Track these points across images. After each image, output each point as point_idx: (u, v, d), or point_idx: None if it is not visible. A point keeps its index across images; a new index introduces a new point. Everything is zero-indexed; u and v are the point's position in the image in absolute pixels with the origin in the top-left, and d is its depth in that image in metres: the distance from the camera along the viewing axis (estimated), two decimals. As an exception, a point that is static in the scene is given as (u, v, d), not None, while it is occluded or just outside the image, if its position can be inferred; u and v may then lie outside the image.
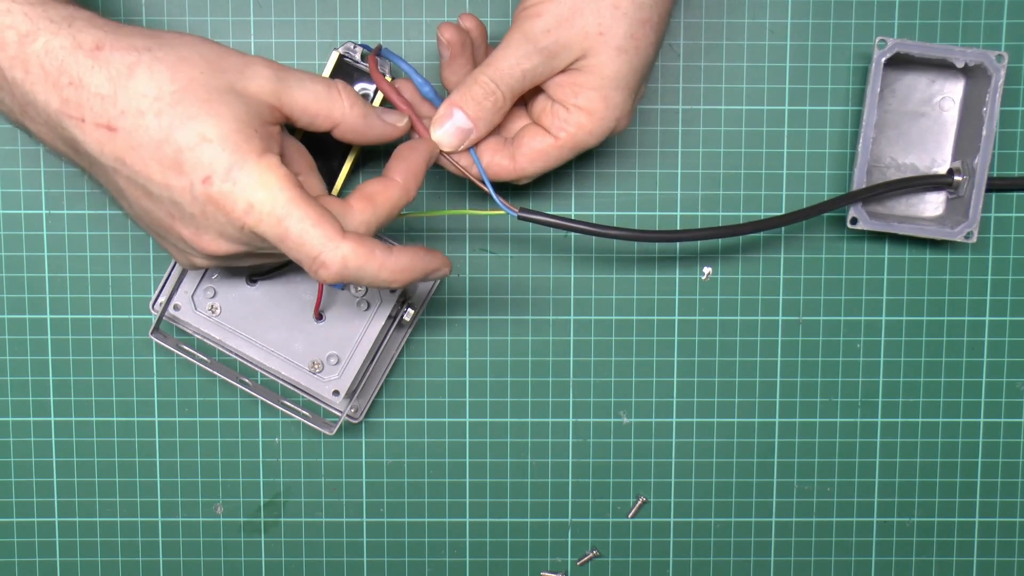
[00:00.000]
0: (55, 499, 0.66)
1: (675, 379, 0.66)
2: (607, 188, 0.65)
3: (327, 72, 0.60)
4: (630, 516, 0.67)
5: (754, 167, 0.65)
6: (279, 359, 0.61)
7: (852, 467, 0.67)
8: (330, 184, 0.61)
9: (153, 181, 0.50)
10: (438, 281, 0.64)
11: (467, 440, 0.66)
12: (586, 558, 0.67)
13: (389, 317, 0.61)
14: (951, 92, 0.64)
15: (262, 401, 0.64)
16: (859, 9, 0.64)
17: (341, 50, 0.60)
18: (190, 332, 0.62)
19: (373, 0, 0.63)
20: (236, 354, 0.62)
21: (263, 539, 0.67)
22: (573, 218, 0.64)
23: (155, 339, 0.61)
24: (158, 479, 0.66)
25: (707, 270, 0.65)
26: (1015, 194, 0.65)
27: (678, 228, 0.65)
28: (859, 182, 0.62)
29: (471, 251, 0.65)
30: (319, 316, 0.61)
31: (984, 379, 0.66)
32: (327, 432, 0.62)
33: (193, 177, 0.50)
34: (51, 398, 0.65)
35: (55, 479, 0.66)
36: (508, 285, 0.65)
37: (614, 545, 0.67)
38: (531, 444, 0.66)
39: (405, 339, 0.64)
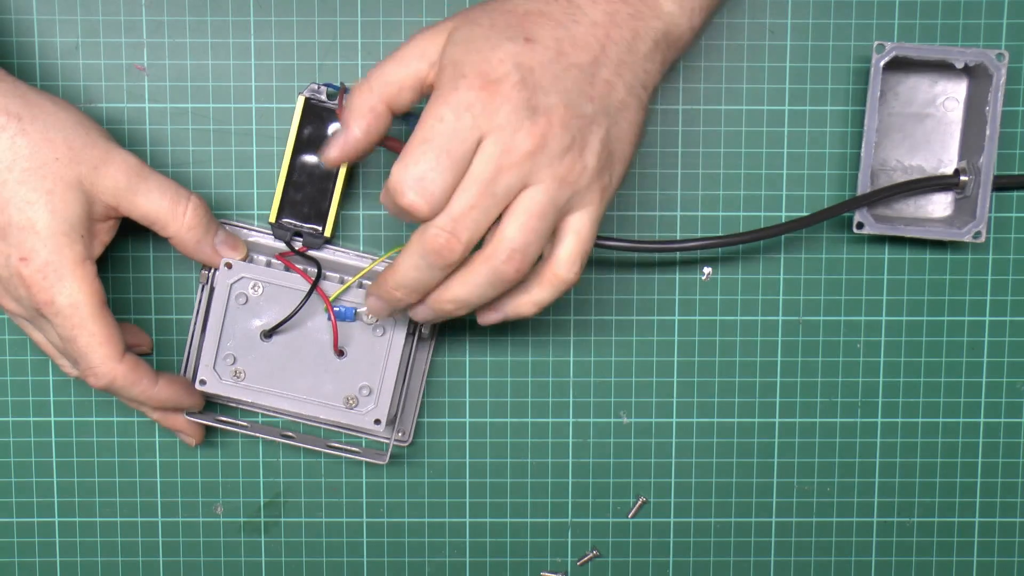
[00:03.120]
0: (55, 499, 0.66)
1: (675, 379, 0.66)
2: (607, 188, 0.65)
3: (295, 119, 0.61)
4: (630, 516, 0.67)
5: (754, 167, 0.64)
6: (314, 404, 0.61)
7: (852, 467, 0.67)
8: (327, 195, 0.61)
9: None
10: None
11: (467, 440, 0.66)
12: (586, 558, 0.67)
13: (408, 335, 0.61)
14: (954, 92, 0.64)
15: (310, 449, 0.65)
16: (859, 9, 0.64)
17: (307, 93, 0.60)
18: (223, 402, 0.63)
19: (373, 0, 0.63)
20: (272, 411, 0.63)
21: (263, 539, 0.67)
22: None
23: (193, 419, 0.62)
24: (158, 479, 0.66)
25: (707, 270, 0.65)
26: (1015, 195, 0.65)
27: (678, 228, 0.65)
28: (863, 187, 0.62)
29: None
30: (340, 352, 0.61)
31: (984, 379, 0.66)
32: (380, 462, 0.62)
33: (12, 250, 0.54)
34: (51, 398, 0.65)
35: (55, 479, 0.66)
36: (508, 285, 0.65)
37: (614, 545, 0.67)
38: (531, 444, 0.66)
39: (431, 352, 0.64)
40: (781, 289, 0.65)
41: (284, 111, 0.63)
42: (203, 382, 0.61)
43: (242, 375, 0.61)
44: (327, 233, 0.62)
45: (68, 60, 0.63)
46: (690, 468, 0.67)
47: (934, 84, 0.64)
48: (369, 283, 0.62)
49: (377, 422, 0.61)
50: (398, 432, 0.64)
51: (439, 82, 0.50)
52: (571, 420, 0.66)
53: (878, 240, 0.65)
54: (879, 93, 0.62)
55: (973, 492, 0.67)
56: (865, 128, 0.62)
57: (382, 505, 0.67)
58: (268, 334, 0.61)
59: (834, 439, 0.67)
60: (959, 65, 0.61)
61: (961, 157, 0.64)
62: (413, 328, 0.61)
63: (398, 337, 0.61)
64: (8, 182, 0.54)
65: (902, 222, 0.63)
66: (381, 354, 0.61)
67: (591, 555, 0.67)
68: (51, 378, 0.65)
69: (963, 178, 0.63)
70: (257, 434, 0.62)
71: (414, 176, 0.49)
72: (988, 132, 0.61)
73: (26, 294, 0.55)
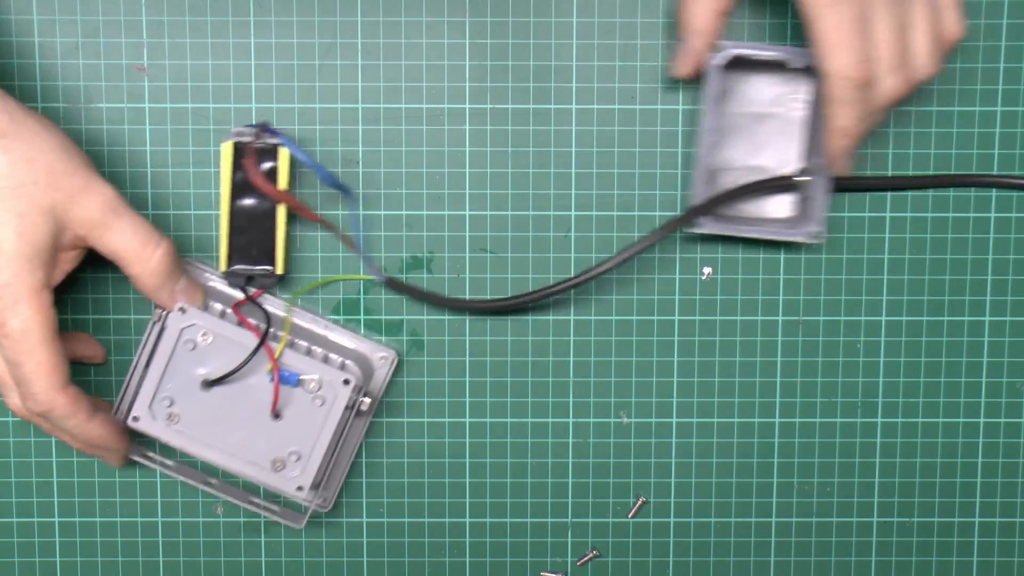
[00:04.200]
0: (55, 499, 0.66)
1: (675, 379, 0.66)
2: (607, 188, 0.65)
3: (225, 166, 0.61)
4: (630, 516, 0.67)
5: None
6: (241, 460, 0.61)
7: (852, 467, 0.67)
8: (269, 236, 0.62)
9: None
10: (393, 366, 0.64)
11: (467, 440, 0.66)
12: (586, 558, 0.67)
13: (346, 408, 0.61)
14: (797, 92, 0.63)
15: (228, 500, 0.65)
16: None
17: (232, 138, 0.61)
18: (153, 439, 0.63)
19: (373, 0, 0.63)
20: (199, 459, 0.63)
21: (263, 539, 0.67)
22: (435, 293, 0.65)
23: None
24: (158, 479, 0.66)
25: (707, 270, 0.65)
26: (1015, 194, 0.65)
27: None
28: (699, 193, 0.61)
29: (471, 251, 0.65)
30: (276, 414, 0.61)
31: (984, 379, 0.66)
32: (296, 526, 0.63)
33: None
34: (51, 398, 0.65)
35: (55, 479, 0.66)
36: (508, 285, 0.65)
37: (614, 545, 0.67)
38: (531, 444, 0.66)
39: (367, 425, 0.65)
40: (781, 289, 0.65)
41: (284, 111, 0.63)
42: (136, 418, 0.60)
43: (176, 419, 0.61)
44: (279, 271, 0.62)
45: (68, 60, 0.63)
46: (690, 468, 0.67)
47: (778, 83, 0.63)
48: (303, 343, 0.63)
49: (300, 489, 0.61)
50: (319, 498, 0.64)
51: None
52: (571, 420, 0.66)
53: (878, 240, 0.65)
54: (719, 93, 0.61)
55: (973, 492, 0.67)
56: (701, 130, 0.61)
57: (382, 505, 0.67)
58: (210, 384, 0.61)
59: (834, 439, 0.67)
60: (797, 66, 0.61)
61: (806, 157, 0.63)
62: (352, 401, 0.61)
63: (336, 408, 0.61)
64: None
65: (743, 222, 0.62)
66: (317, 423, 0.61)
67: (591, 555, 0.67)
68: (51, 378, 0.65)
69: (800, 179, 0.62)
70: (179, 476, 0.63)
71: (857, 56, 0.55)
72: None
73: None
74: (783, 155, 0.63)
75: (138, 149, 0.64)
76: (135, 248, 0.57)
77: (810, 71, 0.62)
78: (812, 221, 0.61)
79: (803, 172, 0.62)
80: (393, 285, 0.63)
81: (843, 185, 0.63)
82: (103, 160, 0.63)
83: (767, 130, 0.63)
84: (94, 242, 0.57)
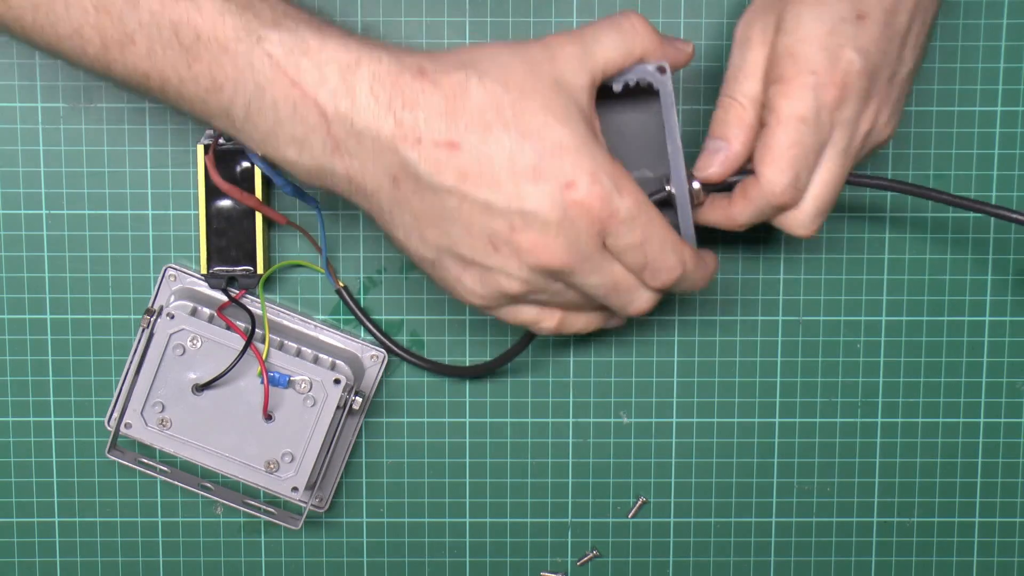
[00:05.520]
0: (55, 499, 0.66)
1: (675, 379, 0.66)
2: (607, 188, 0.65)
3: (201, 169, 0.61)
4: (630, 516, 0.67)
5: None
6: (235, 463, 0.62)
7: (852, 467, 0.67)
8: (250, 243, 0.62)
9: (500, 193, 0.49)
10: (383, 367, 0.64)
11: (467, 440, 0.66)
12: (586, 558, 0.67)
13: (337, 408, 0.61)
14: (655, 108, 0.56)
15: (226, 504, 0.65)
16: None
17: (204, 140, 0.61)
18: (146, 446, 0.63)
19: (373, 0, 0.63)
20: (193, 463, 0.63)
21: (263, 539, 0.67)
22: (378, 326, 0.63)
23: (112, 457, 0.62)
24: (158, 479, 0.66)
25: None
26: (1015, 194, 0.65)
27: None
28: None
29: (471, 251, 0.65)
30: (268, 417, 0.61)
31: (984, 379, 0.66)
32: (293, 527, 0.63)
33: (553, 183, 0.49)
34: (51, 398, 0.65)
35: (55, 479, 0.66)
36: (508, 285, 0.65)
37: (614, 545, 0.67)
38: (531, 444, 0.66)
39: (360, 424, 0.65)
40: (781, 289, 0.65)
41: (284, 111, 0.63)
42: (128, 425, 0.61)
43: (168, 424, 0.61)
44: (260, 271, 0.62)
45: (68, 60, 0.63)
46: (690, 468, 0.67)
47: (635, 104, 0.56)
48: (293, 344, 0.63)
49: (295, 490, 0.62)
50: (315, 499, 0.65)
51: (785, 77, 0.52)
52: (571, 420, 0.66)
53: (878, 240, 0.65)
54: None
55: (973, 492, 0.67)
56: None
57: (382, 505, 0.67)
58: (200, 388, 0.61)
59: (834, 439, 0.67)
60: (618, 88, 0.53)
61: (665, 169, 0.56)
62: (343, 401, 0.61)
63: (328, 409, 0.61)
64: (509, 123, 0.49)
65: None
66: (309, 424, 0.61)
67: (591, 555, 0.67)
68: (51, 378, 0.65)
69: (668, 188, 0.55)
70: (175, 482, 0.63)
71: (791, 179, 0.53)
72: (670, 149, 0.54)
73: (588, 221, 0.50)
74: (655, 167, 0.57)
75: (138, 149, 0.64)
76: (619, 40, 0.52)
77: (652, 87, 0.54)
78: (684, 237, 0.55)
79: (666, 181, 0.56)
80: (343, 297, 0.64)
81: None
82: (103, 160, 0.64)
83: (629, 148, 0.57)
84: (594, 72, 0.52)
